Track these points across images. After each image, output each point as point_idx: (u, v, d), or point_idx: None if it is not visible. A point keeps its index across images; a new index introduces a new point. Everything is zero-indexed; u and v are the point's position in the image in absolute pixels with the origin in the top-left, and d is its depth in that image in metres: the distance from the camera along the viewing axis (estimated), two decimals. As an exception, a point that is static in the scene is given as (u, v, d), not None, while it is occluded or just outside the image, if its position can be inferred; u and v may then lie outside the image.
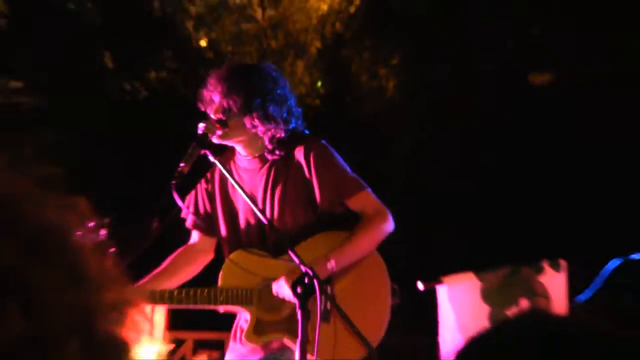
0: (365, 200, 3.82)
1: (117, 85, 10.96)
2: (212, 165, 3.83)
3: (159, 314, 5.55)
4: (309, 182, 3.80)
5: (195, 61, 11.17)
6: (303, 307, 3.24)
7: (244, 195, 3.58)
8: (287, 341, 3.77)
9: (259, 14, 11.66)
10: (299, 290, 3.25)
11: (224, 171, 3.64)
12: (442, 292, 4.12)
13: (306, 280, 3.25)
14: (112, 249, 1.15)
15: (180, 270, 4.00)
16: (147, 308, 4.10)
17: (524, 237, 9.36)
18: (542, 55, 11.08)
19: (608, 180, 9.93)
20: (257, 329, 3.76)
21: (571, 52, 10.75)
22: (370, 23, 11.22)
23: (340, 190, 3.81)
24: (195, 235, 4.08)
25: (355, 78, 11.41)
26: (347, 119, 11.28)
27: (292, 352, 3.68)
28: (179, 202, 3.57)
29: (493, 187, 10.35)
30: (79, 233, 1.01)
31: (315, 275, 3.24)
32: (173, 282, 3.93)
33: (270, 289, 3.70)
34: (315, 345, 3.25)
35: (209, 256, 4.11)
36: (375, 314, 3.77)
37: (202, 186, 4.03)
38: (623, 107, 9.98)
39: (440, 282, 4.19)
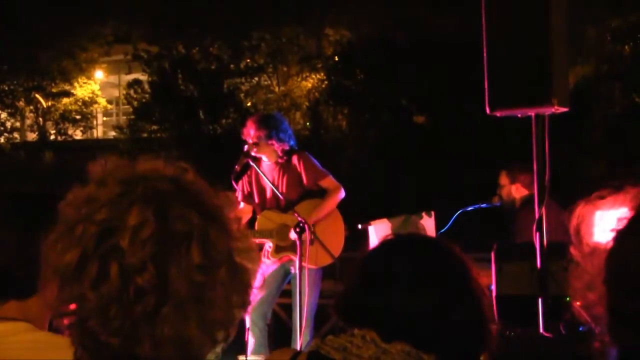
0: (329, 181, 6.40)
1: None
2: (251, 167, 6.24)
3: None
4: (300, 174, 6.38)
5: (244, 113, 22.38)
6: (299, 238, 5.64)
7: (267, 181, 6.05)
8: (292, 256, 6.16)
9: (277, 89, 23.12)
10: (297, 229, 5.71)
11: (257, 169, 5.98)
12: (371, 229, 5.78)
13: (301, 225, 5.72)
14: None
15: (249, 217, 6.40)
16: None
17: (412, 197, 17.91)
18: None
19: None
20: (276, 250, 6.22)
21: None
22: (333, 94, 21.94)
23: (316, 177, 6.38)
24: (242, 205, 6.41)
25: (325, 119, 22.24)
26: (320, 142, 21.98)
27: (294, 262, 6.08)
28: (235, 187, 6.11)
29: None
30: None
31: (306, 222, 5.65)
32: None
33: (283, 228, 6.22)
34: (307, 256, 5.68)
35: (249, 215, 6.43)
36: (337, 240, 6.26)
37: (245, 180, 6.44)
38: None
39: (369, 224, 5.98)
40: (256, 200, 6.38)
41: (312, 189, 6.38)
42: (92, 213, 1.51)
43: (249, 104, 22.90)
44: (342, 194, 6.37)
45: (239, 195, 6.35)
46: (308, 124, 22.55)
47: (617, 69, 20.36)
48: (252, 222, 6.37)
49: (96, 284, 1.45)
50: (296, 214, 5.85)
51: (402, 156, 20.14)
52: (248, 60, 23.00)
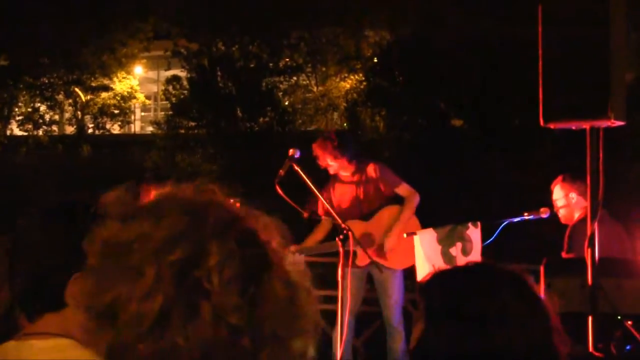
0: (405, 188, 6.63)
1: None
2: (330, 181, 6.70)
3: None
4: (378, 183, 6.65)
5: (282, 112, 22.42)
6: (343, 246, 5.73)
7: (347, 193, 6.66)
8: (379, 260, 6.41)
9: (315, 89, 23.12)
10: (341, 237, 5.82)
11: (303, 177, 5.85)
12: (416, 239, 5.76)
13: (344, 233, 5.82)
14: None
15: (322, 234, 6.75)
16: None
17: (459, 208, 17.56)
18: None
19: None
20: (358, 257, 6.41)
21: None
22: (371, 95, 21.95)
23: (393, 184, 6.63)
24: (325, 219, 6.57)
25: (363, 120, 22.23)
26: (357, 143, 22.00)
27: (378, 265, 6.31)
28: (280, 192, 5.74)
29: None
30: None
31: (350, 230, 5.77)
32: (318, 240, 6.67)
33: (365, 236, 6.47)
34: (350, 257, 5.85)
35: (328, 227, 6.62)
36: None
37: (325, 195, 6.52)
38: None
39: (415, 233, 5.96)
40: (342, 210, 6.50)
41: (388, 196, 6.64)
42: (161, 252, 1.33)
43: (286, 103, 22.92)
44: (417, 199, 6.62)
45: (319, 209, 6.55)
46: (345, 124, 22.52)
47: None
48: (332, 234, 6.43)
49: (185, 329, 1.31)
50: (341, 222, 5.84)
51: (439, 159, 20.21)
52: (287, 60, 23.05)
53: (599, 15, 4.31)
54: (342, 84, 22.45)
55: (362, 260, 6.35)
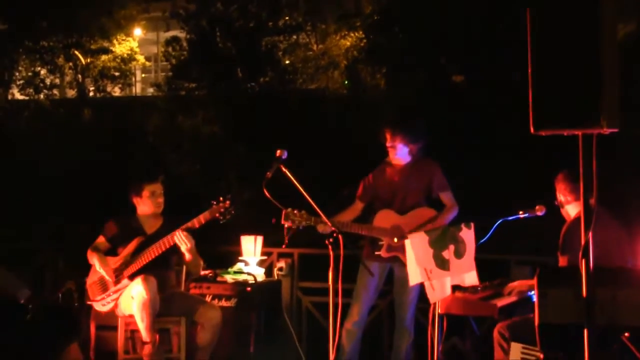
0: (448, 197, 6.49)
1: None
2: (382, 165, 6.54)
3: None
4: (430, 180, 6.46)
5: (282, 72, 22.30)
6: (333, 249, 5.33)
7: (392, 183, 6.39)
8: (400, 256, 6.19)
9: (315, 47, 22.97)
10: (331, 240, 5.37)
11: (292, 179, 5.56)
12: (407, 242, 5.46)
13: (334, 235, 5.44)
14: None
15: (351, 217, 6.58)
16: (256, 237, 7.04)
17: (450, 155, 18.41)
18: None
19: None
20: (387, 249, 6.35)
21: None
22: (371, 53, 21.81)
23: (441, 188, 6.48)
24: (359, 203, 6.65)
25: (363, 78, 22.12)
26: (358, 100, 21.87)
27: (400, 261, 6.23)
28: (266, 194, 5.49)
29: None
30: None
31: (340, 233, 5.44)
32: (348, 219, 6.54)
33: (396, 229, 6.29)
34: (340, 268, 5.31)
35: (356, 213, 6.61)
36: None
37: (370, 177, 6.58)
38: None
39: (406, 237, 5.62)
40: (380, 197, 6.50)
41: (429, 197, 6.51)
42: None
43: (286, 62, 22.79)
44: (456, 211, 6.47)
45: (359, 190, 6.57)
46: (346, 82, 22.38)
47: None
48: (360, 219, 6.52)
49: None
50: (329, 224, 5.77)
51: (440, 116, 20.11)
52: (286, 18, 22.90)
53: (590, 20, 4.24)
54: (342, 41, 22.28)
55: (386, 252, 6.36)
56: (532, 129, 4.36)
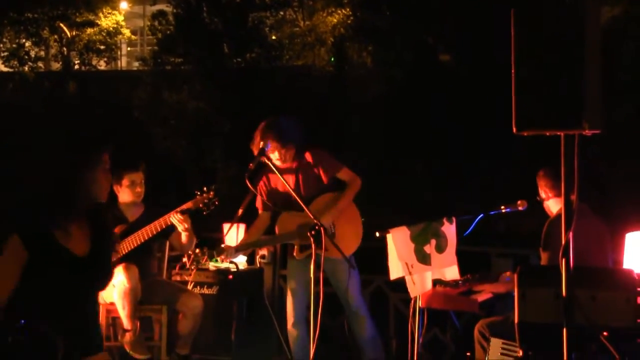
0: (345, 173, 6.28)
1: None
2: (265, 172, 6.20)
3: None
4: (316, 171, 6.22)
5: (269, 48, 22.23)
6: (316, 241, 5.29)
7: (284, 184, 5.81)
8: (317, 251, 5.55)
9: (302, 24, 22.87)
10: (313, 232, 5.32)
11: (275, 171, 5.71)
12: (389, 237, 5.46)
13: (316, 228, 5.34)
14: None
15: (260, 230, 6.41)
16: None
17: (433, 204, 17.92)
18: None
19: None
20: (301, 250, 6.18)
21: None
22: (358, 30, 21.80)
23: (333, 170, 6.23)
24: (263, 213, 6.38)
25: (350, 56, 22.10)
26: (344, 78, 21.91)
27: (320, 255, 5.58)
28: (251, 188, 5.71)
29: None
30: None
31: (321, 225, 5.31)
32: (257, 237, 6.39)
33: (302, 227, 5.94)
34: (322, 252, 5.26)
35: (267, 223, 6.38)
36: (355, 230, 6.18)
37: (262, 186, 6.30)
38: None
39: (388, 232, 5.56)
40: (276, 204, 6.28)
41: (328, 181, 6.25)
42: None
43: (273, 38, 22.69)
44: (358, 184, 6.25)
45: (258, 202, 6.32)
46: (332, 59, 22.33)
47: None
48: (271, 228, 6.32)
49: None
50: (312, 217, 5.53)
51: (427, 95, 20.16)
52: (274, -6, 22.72)
53: (573, 21, 4.23)
54: (330, 18, 22.14)
55: (300, 252, 6.20)
56: (514, 129, 4.36)
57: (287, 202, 6.19)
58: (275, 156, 6.08)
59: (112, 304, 6.17)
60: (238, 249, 6.34)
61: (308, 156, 6.24)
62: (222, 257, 6.36)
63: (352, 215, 6.23)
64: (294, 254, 6.23)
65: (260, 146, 5.91)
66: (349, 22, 21.94)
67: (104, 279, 3.91)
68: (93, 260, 3.78)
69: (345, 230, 6.15)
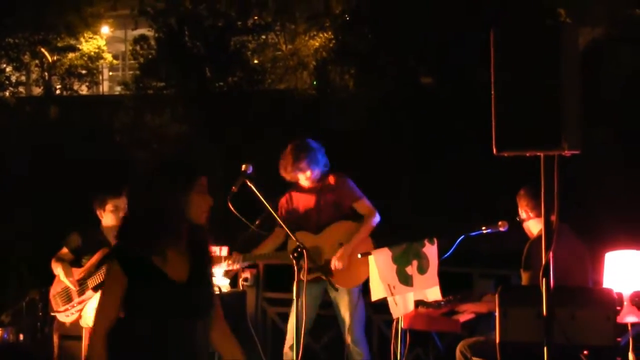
0: (363, 206, 6.40)
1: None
2: (289, 190, 6.56)
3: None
4: (336, 196, 6.41)
5: (251, 71, 22.26)
6: (297, 263, 5.41)
7: (302, 205, 6.34)
8: (322, 277, 6.20)
9: (284, 47, 22.92)
10: (295, 255, 5.44)
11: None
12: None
13: (299, 250, 5.43)
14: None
15: (274, 245, 6.58)
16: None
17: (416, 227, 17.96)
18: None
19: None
20: (308, 272, 5.75)
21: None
22: (340, 53, 21.84)
23: (351, 199, 6.41)
24: (278, 229, 6.48)
25: (333, 79, 22.15)
26: (327, 101, 21.92)
27: (323, 280, 6.21)
28: (232, 209, 5.73)
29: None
30: None
31: (305, 248, 5.41)
32: (268, 250, 6.49)
33: (314, 250, 6.11)
34: (304, 276, 5.38)
35: (281, 239, 6.53)
36: (365, 265, 5.94)
37: (283, 203, 6.57)
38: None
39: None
40: (295, 222, 6.38)
41: (347, 210, 6.36)
42: None
43: (255, 62, 22.71)
44: (376, 219, 6.35)
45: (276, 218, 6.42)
46: (315, 83, 22.35)
47: (629, 33, 20.17)
48: (284, 245, 6.42)
49: None
50: (295, 239, 5.68)
51: (409, 117, 20.20)
52: (255, 18, 22.73)
53: (551, 43, 4.28)
54: (312, 42, 22.19)
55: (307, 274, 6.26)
56: (494, 150, 4.41)
57: (303, 222, 6.35)
58: (304, 176, 6.32)
59: (94, 328, 6.13)
60: (245, 259, 6.42)
61: (331, 179, 6.42)
62: (230, 262, 6.34)
63: (364, 248, 6.21)
64: (301, 275, 6.19)
65: (287, 173, 6.22)
66: (330, 45, 21.97)
67: (205, 307, 3.89)
68: (191, 286, 3.77)
69: (357, 261, 6.14)
